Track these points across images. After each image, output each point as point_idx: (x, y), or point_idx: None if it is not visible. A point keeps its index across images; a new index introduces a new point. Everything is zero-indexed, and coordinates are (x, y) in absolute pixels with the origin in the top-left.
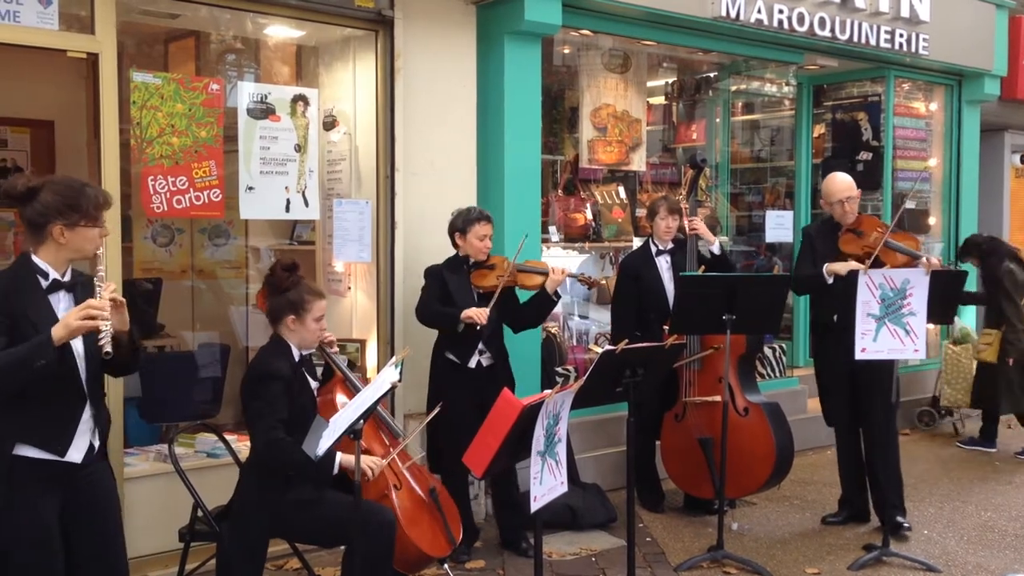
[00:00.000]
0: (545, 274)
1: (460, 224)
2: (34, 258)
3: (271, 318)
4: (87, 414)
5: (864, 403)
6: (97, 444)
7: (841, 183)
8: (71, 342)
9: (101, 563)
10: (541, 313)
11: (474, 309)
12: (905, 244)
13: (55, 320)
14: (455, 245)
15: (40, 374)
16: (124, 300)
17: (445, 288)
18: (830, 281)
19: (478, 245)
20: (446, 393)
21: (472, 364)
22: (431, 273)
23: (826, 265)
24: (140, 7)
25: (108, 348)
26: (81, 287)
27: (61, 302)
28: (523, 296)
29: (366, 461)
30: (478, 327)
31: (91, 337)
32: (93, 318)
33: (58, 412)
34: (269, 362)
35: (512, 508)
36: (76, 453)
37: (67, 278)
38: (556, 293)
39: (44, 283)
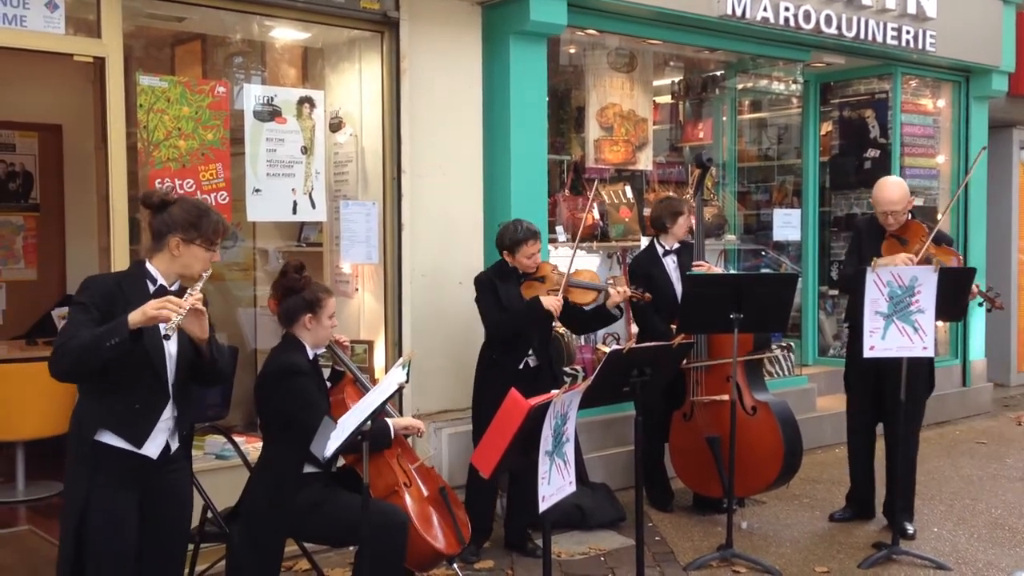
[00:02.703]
0: (598, 290)
1: (508, 243)
2: (148, 264)
3: (285, 320)
4: (168, 413)
5: (890, 403)
6: (175, 445)
7: (886, 194)
8: (164, 344)
9: (158, 562)
10: (603, 325)
11: (551, 299)
12: (946, 258)
13: (154, 327)
14: (504, 259)
15: (112, 352)
16: (205, 311)
17: (497, 297)
18: None
19: (526, 263)
20: (489, 390)
21: (519, 364)
22: (483, 283)
23: (875, 260)
24: (146, 11)
25: (164, 331)
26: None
27: None
28: None
29: (407, 421)
30: (554, 321)
31: (184, 338)
32: (168, 310)
33: (141, 405)
34: (290, 359)
35: (524, 509)
36: (152, 448)
37: (173, 288)
38: (619, 307)
39: (151, 287)
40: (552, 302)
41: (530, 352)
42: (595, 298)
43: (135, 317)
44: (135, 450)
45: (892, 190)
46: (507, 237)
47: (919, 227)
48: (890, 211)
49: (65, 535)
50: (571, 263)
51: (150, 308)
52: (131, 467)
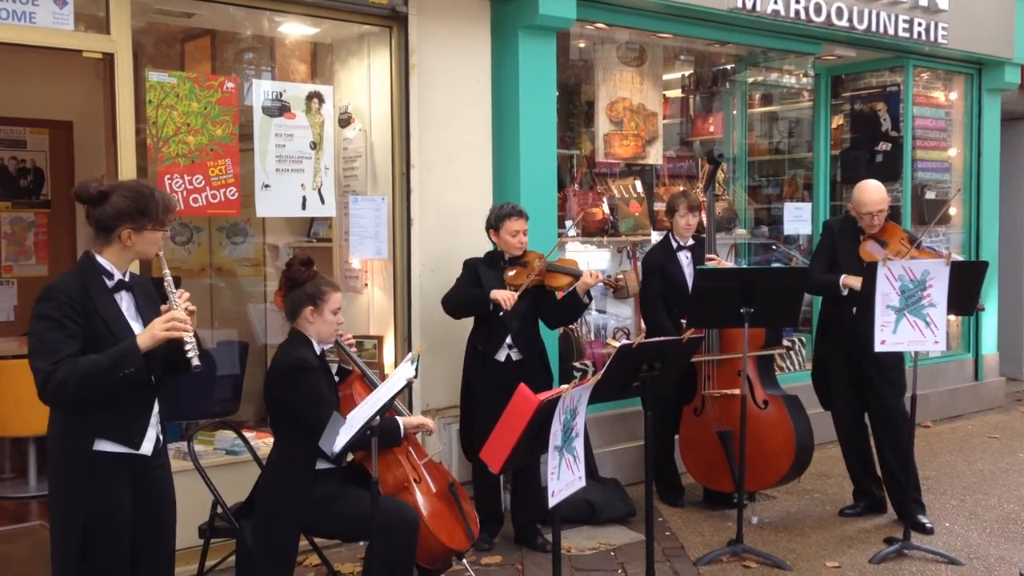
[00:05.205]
0: (573, 275)
1: (493, 220)
2: (98, 258)
3: (290, 313)
4: (155, 408)
5: (870, 397)
6: (163, 438)
7: (873, 196)
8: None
9: (152, 556)
10: (571, 314)
11: (504, 292)
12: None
13: (124, 319)
14: (492, 242)
15: (126, 380)
16: (195, 309)
17: (478, 281)
18: (844, 293)
19: (511, 241)
20: (475, 383)
21: (500, 358)
22: (467, 265)
23: (843, 277)
24: (155, 6)
25: (196, 361)
26: (139, 287)
27: (123, 301)
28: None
29: (418, 419)
30: (502, 312)
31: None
32: (178, 329)
33: (133, 408)
34: (297, 354)
35: (529, 505)
36: (147, 445)
37: (127, 279)
38: (588, 294)
39: (109, 283)
40: (502, 295)
41: (508, 344)
42: (570, 282)
43: (145, 342)
44: (134, 452)
45: (876, 192)
46: (492, 215)
47: (896, 228)
48: (875, 211)
49: (66, 550)
50: (553, 248)
51: (159, 331)
52: (128, 468)
